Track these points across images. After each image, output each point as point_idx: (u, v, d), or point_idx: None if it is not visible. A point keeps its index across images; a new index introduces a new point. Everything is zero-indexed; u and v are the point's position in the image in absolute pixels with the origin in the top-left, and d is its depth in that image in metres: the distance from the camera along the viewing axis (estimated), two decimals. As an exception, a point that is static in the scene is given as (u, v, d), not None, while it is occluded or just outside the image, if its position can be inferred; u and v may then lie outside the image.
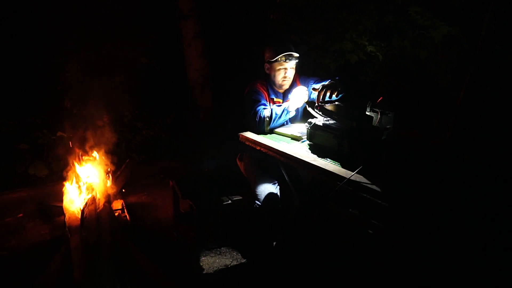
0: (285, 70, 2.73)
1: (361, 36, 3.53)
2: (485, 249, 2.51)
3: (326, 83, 2.44)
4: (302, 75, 2.90)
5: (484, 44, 3.24)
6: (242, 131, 2.69)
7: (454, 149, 2.29)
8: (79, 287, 2.15)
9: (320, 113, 2.35)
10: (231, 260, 2.80)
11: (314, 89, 2.51)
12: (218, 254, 2.86)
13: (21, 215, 3.43)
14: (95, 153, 3.58)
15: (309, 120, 2.37)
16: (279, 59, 2.67)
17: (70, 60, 4.37)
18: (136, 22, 4.70)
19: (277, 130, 2.67)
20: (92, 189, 3.16)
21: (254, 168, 2.82)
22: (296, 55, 2.70)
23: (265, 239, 2.82)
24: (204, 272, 2.66)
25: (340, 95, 2.44)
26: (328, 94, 2.38)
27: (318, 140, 2.30)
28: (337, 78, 2.49)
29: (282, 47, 2.69)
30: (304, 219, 2.70)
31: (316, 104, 2.40)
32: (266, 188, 2.66)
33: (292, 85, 2.83)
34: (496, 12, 3.13)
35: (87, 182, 3.27)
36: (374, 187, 1.77)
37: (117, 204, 3.38)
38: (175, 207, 3.33)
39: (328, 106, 2.33)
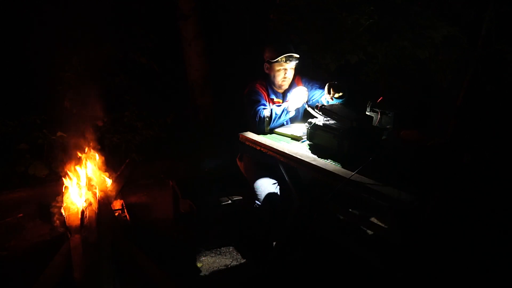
0: (285, 71, 2.73)
1: (361, 36, 3.53)
2: (485, 249, 2.51)
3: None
4: (305, 77, 2.90)
5: (484, 44, 3.25)
6: (242, 131, 2.70)
7: (454, 149, 2.29)
8: (79, 287, 2.16)
9: (320, 113, 2.36)
10: (231, 260, 2.80)
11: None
12: (218, 254, 2.86)
13: (21, 215, 3.43)
14: (95, 153, 3.58)
15: (309, 120, 2.38)
16: (280, 59, 2.67)
17: (70, 60, 4.37)
18: (136, 22, 4.70)
19: (277, 130, 2.67)
20: (92, 189, 3.16)
21: (254, 168, 2.82)
22: (297, 56, 2.71)
23: (265, 239, 2.82)
24: (204, 272, 2.66)
25: (339, 94, 2.45)
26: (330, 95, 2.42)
27: (318, 140, 2.30)
28: (335, 82, 2.50)
29: (283, 48, 2.69)
30: (304, 219, 2.70)
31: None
32: (266, 188, 2.66)
33: (292, 85, 2.83)
34: (496, 12, 3.13)
35: (87, 182, 3.26)
36: (374, 187, 1.77)
37: (117, 204, 3.38)
38: (175, 207, 3.33)
39: (328, 106, 2.33)
